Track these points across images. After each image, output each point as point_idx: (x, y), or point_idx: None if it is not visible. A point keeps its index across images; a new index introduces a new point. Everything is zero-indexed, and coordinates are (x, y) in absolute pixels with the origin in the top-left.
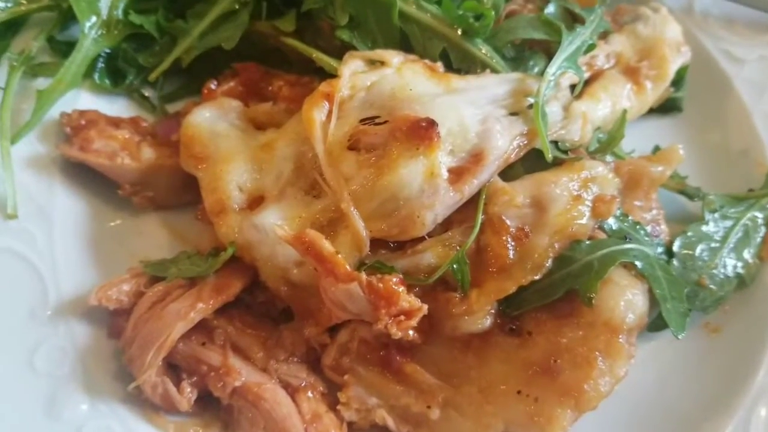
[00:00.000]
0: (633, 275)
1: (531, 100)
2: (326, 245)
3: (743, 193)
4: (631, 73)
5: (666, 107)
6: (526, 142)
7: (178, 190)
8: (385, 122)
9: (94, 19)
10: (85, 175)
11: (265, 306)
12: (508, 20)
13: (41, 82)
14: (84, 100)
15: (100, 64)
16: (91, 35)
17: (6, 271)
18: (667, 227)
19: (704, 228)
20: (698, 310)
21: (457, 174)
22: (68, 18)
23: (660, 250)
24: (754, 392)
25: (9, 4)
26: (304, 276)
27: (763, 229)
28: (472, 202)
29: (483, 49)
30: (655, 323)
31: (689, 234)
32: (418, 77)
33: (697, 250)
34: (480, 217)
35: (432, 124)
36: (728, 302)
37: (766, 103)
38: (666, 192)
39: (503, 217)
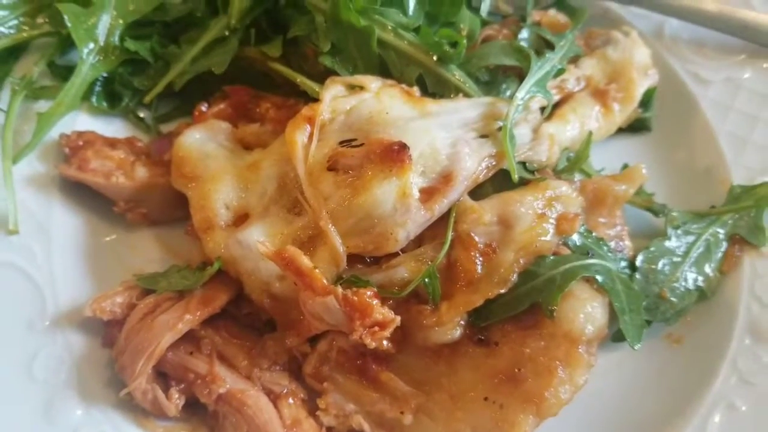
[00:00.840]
0: (594, 289)
1: (501, 123)
2: (304, 261)
3: (705, 209)
4: (600, 95)
5: (635, 127)
6: (494, 163)
7: (170, 207)
8: (362, 145)
9: (91, 45)
10: (82, 193)
11: (249, 317)
12: (481, 47)
13: (42, 105)
14: (82, 121)
15: (98, 88)
16: (89, 60)
17: (7, 284)
18: (631, 243)
19: (667, 243)
20: (660, 321)
21: (428, 194)
22: (68, 44)
23: (623, 264)
24: (711, 399)
25: (12, 31)
26: (285, 289)
27: (724, 244)
28: (442, 220)
29: (457, 74)
30: (619, 334)
31: (652, 249)
32: (395, 101)
33: (659, 265)
34: (450, 234)
35: (404, 147)
36: (690, 314)
37: (731, 123)
38: (633, 208)
39: (472, 234)
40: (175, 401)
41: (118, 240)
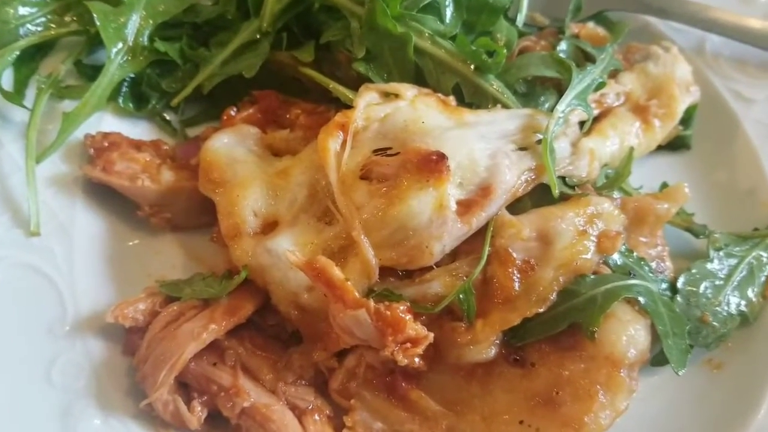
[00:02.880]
0: (636, 311)
1: (540, 135)
2: (336, 272)
3: (748, 232)
4: (640, 111)
5: (674, 144)
6: (533, 176)
7: (196, 213)
8: (397, 154)
9: (120, 45)
10: (105, 195)
11: (275, 329)
12: (520, 57)
13: (67, 105)
14: (108, 122)
15: (125, 89)
16: (117, 60)
17: (27, 287)
18: (672, 264)
19: (709, 266)
20: (701, 346)
21: (465, 206)
22: (96, 43)
23: (664, 286)
24: (754, 429)
25: (39, 28)
26: (314, 301)
27: (767, 269)
28: (479, 234)
29: (494, 85)
30: (658, 358)
31: (693, 271)
32: (431, 110)
33: (701, 287)
34: (487, 249)
35: (442, 157)
36: (731, 339)
37: None
38: (672, 229)
39: (510, 250)
40: (197, 413)
41: (141, 245)
